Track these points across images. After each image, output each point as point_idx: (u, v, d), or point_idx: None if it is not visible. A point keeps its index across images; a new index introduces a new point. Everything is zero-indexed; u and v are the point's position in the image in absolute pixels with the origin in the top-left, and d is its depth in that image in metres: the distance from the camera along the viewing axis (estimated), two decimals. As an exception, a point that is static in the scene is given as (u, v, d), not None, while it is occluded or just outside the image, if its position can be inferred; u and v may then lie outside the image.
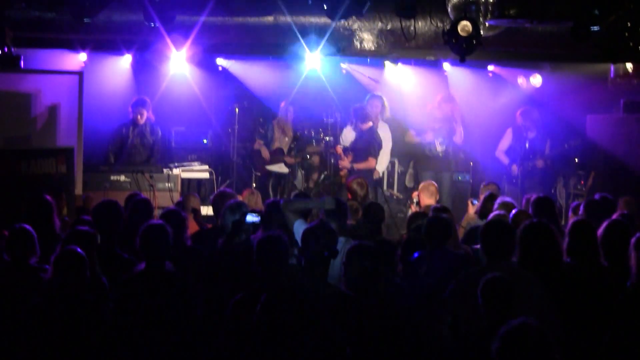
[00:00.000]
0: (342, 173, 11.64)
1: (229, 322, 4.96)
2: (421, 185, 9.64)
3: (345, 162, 11.63)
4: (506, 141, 11.72)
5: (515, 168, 11.37)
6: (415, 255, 6.36)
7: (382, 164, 12.01)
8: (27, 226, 5.80)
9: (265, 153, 12.22)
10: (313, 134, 13.35)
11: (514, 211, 7.27)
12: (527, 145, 11.30)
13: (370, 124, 11.55)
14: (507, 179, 11.67)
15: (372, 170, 11.60)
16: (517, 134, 11.58)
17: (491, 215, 7.37)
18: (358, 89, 13.09)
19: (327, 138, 12.51)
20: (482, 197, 8.58)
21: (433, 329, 5.29)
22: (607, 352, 5.15)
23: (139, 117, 11.34)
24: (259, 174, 12.27)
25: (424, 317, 5.39)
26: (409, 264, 5.82)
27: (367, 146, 11.53)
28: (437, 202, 8.98)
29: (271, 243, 5.03)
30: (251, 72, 13.48)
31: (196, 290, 5.51)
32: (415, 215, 7.25)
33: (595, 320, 5.34)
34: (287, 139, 12.22)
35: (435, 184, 9.59)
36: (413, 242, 5.91)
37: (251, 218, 6.24)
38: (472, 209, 9.25)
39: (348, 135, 11.94)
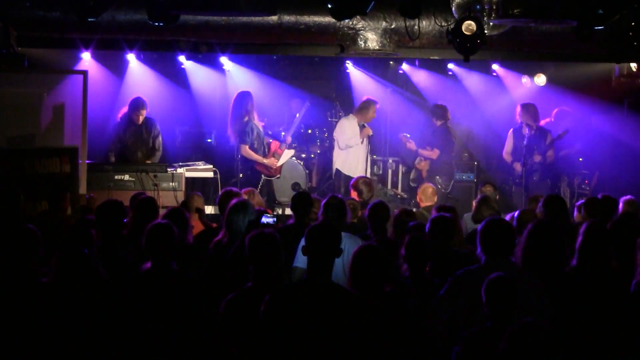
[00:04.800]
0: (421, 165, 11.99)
1: (222, 322, 4.94)
2: (420, 188, 9.66)
3: (412, 145, 12.00)
4: (510, 142, 11.72)
5: (518, 166, 11.35)
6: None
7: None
8: (32, 226, 5.78)
9: (272, 162, 11.67)
10: (317, 134, 13.36)
11: (517, 211, 7.24)
12: (524, 142, 11.28)
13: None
14: (513, 179, 11.64)
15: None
16: (517, 133, 11.57)
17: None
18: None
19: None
20: (474, 201, 8.46)
21: (431, 327, 5.29)
22: (613, 352, 5.15)
23: (136, 117, 11.29)
24: (271, 178, 11.97)
25: (424, 315, 5.38)
26: (415, 264, 5.79)
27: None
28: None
29: (263, 241, 4.95)
30: (254, 72, 13.53)
31: (202, 290, 5.50)
32: (403, 213, 7.14)
33: (602, 321, 5.33)
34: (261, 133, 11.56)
35: (433, 186, 9.60)
36: (418, 242, 5.87)
37: (266, 219, 6.21)
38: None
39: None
